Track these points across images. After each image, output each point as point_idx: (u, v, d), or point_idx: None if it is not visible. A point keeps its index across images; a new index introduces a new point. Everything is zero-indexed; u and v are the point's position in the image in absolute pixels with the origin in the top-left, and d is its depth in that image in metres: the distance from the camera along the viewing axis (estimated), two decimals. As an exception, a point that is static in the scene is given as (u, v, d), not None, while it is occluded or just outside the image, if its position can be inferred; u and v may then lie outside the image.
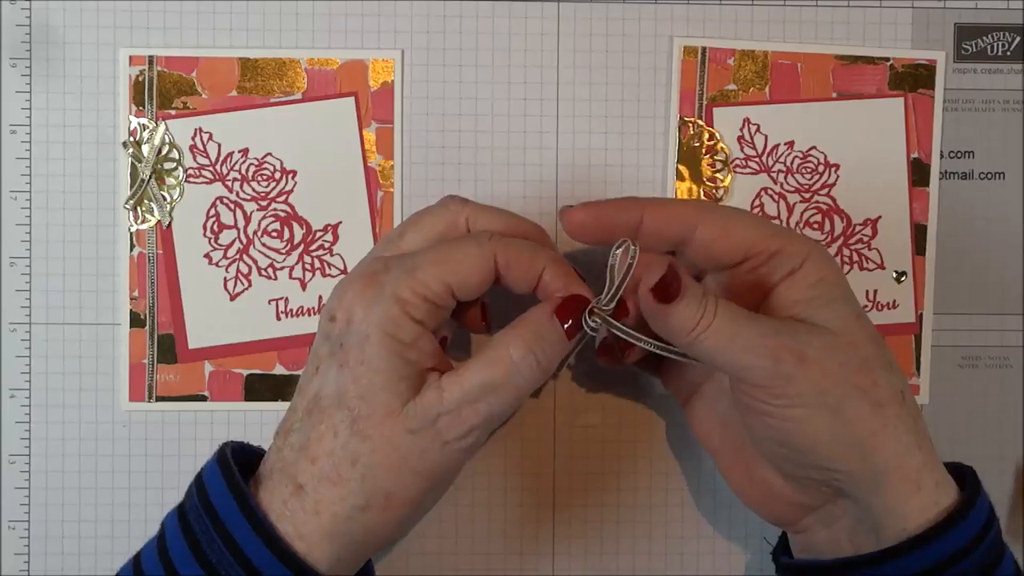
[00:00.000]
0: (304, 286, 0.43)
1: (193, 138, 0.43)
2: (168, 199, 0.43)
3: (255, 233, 0.43)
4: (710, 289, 0.36)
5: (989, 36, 0.44)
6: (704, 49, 0.43)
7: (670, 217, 0.35)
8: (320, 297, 0.43)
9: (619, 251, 0.34)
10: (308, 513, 0.32)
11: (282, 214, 0.43)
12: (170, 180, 0.43)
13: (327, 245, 0.43)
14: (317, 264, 0.43)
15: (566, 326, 0.34)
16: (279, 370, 0.43)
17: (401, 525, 0.33)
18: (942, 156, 0.44)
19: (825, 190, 0.44)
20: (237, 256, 0.43)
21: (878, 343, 0.34)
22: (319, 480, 0.32)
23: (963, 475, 0.35)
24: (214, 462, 0.33)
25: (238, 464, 0.33)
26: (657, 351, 0.35)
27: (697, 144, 0.44)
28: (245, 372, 0.43)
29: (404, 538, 0.43)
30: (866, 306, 0.44)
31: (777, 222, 0.44)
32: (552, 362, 0.34)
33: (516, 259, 0.34)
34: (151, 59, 0.43)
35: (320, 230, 0.43)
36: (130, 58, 0.43)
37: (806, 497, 0.36)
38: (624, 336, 0.35)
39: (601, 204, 0.36)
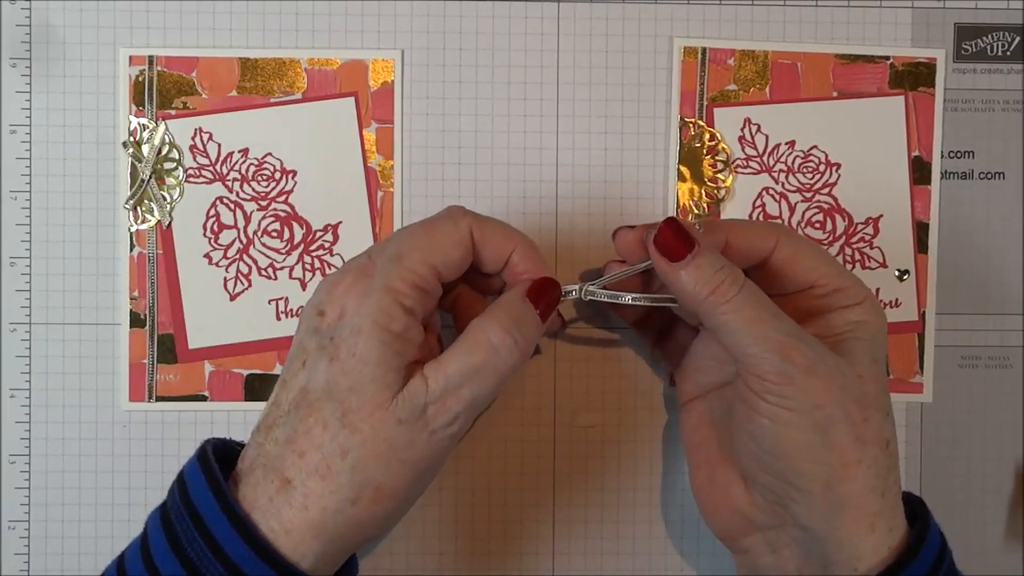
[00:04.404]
0: (304, 286, 0.43)
1: (193, 138, 0.43)
2: (168, 199, 0.43)
3: (255, 233, 0.43)
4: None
5: (989, 36, 0.44)
6: (704, 49, 0.43)
7: (754, 236, 0.36)
8: (320, 297, 0.43)
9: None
10: (296, 508, 0.32)
11: (282, 214, 0.43)
12: (170, 180, 0.43)
13: (327, 245, 0.43)
14: (317, 264, 0.43)
15: (539, 309, 0.35)
16: (279, 370, 0.43)
17: (387, 519, 0.33)
18: (942, 156, 0.44)
19: (826, 189, 0.44)
20: (237, 256, 0.43)
21: (884, 391, 0.35)
22: (308, 474, 0.32)
23: (914, 507, 0.36)
24: (195, 460, 0.33)
25: (221, 461, 0.33)
26: (647, 303, 0.37)
27: (698, 144, 0.44)
28: (245, 372, 0.43)
29: (386, 538, 0.43)
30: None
31: (779, 222, 0.44)
32: (530, 343, 0.34)
33: (491, 234, 0.35)
34: (151, 59, 0.43)
35: (320, 230, 0.43)
36: (130, 58, 0.43)
37: (758, 511, 0.36)
38: (615, 301, 0.36)
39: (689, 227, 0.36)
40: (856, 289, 0.36)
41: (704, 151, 0.44)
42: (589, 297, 0.37)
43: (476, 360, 0.33)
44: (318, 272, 0.43)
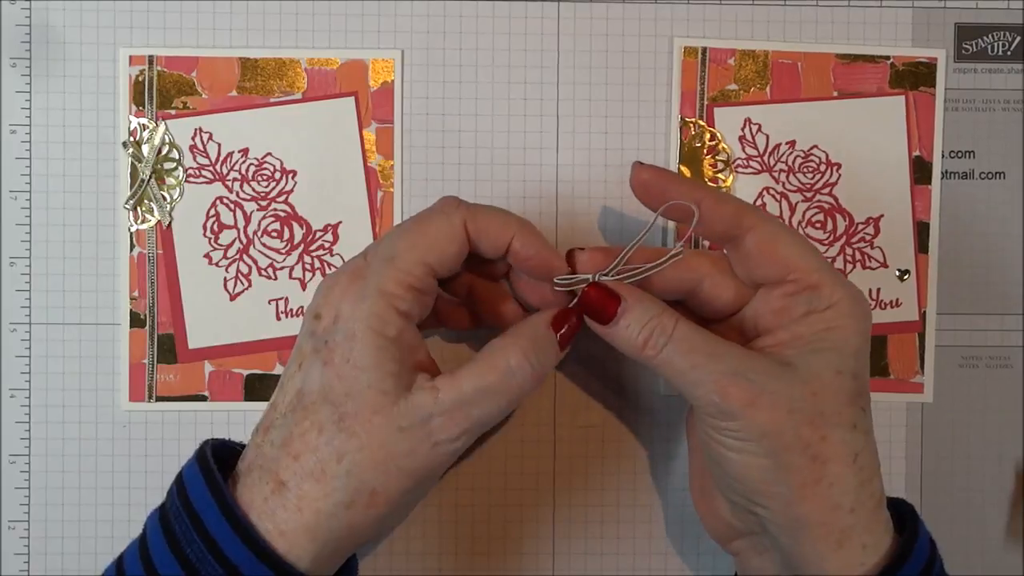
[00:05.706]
0: (304, 286, 0.43)
1: (193, 138, 0.43)
2: (168, 199, 0.43)
3: (255, 233, 0.43)
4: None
5: (989, 36, 0.44)
6: (704, 49, 0.43)
7: (725, 211, 0.35)
8: (320, 297, 0.43)
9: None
10: (290, 510, 0.32)
11: (282, 214, 0.43)
12: (170, 180, 0.43)
13: (327, 245, 0.43)
14: (317, 264, 0.43)
15: (560, 334, 0.35)
16: (279, 370, 0.43)
17: (383, 524, 0.33)
18: (943, 156, 0.44)
19: (827, 189, 0.44)
20: (237, 256, 0.43)
21: (848, 403, 0.33)
22: (302, 477, 0.32)
23: (904, 515, 0.35)
24: (194, 460, 0.33)
25: (220, 461, 0.33)
26: (656, 269, 0.36)
27: (699, 145, 0.44)
28: (245, 372, 0.43)
29: (386, 539, 0.43)
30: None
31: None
32: (546, 369, 0.34)
33: (486, 225, 0.35)
34: (151, 59, 0.43)
35: (320, 230, 0.43)
36: (130, 58, 0.43)
37: (737, 520, 0.37)
38: (634, 279, 0.36)
39: (669, 175, 0.36)
40: (831, 289, 0.34)
41: (704, 151, 0.44)
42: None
43: (491, 380, 0.33)
44: (318, 272, 0.43)
